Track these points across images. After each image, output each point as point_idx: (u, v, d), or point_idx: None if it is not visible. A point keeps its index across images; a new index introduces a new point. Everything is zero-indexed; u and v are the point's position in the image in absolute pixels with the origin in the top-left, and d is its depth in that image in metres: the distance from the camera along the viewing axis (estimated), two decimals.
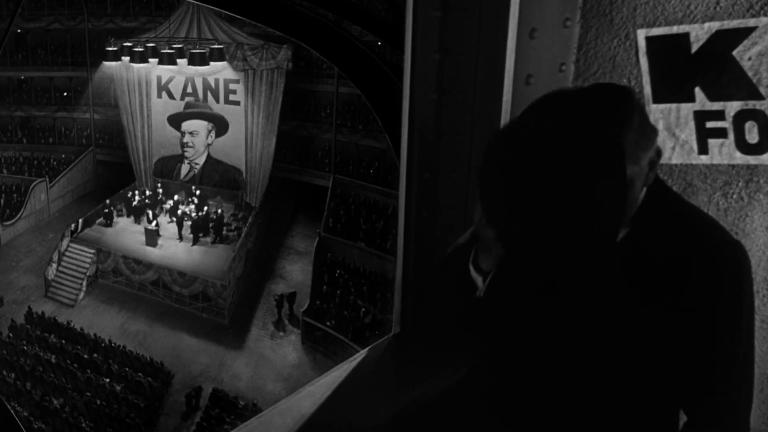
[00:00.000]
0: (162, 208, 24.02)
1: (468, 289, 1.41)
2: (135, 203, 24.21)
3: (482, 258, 1.37)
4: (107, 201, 24.07)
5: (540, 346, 1.42)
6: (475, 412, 1.61)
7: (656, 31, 1.62)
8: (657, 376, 1.33)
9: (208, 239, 22.70)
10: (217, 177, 25.17)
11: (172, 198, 24.44)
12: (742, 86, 1.56)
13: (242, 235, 22.56)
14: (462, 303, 1.45)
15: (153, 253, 22.01)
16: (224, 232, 22.96)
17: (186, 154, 25.37)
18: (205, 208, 23.68)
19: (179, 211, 23.30)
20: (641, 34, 1.64)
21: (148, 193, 24.97)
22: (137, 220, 23.56)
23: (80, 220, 23.41)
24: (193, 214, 23.24)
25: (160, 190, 25.07)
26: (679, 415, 1.39)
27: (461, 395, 1.68)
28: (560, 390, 1.41)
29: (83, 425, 16.61)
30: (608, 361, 1.34)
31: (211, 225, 23.10)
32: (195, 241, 22.49)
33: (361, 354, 1.85)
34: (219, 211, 23.78)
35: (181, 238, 22.57)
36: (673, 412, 1.39)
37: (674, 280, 1.26)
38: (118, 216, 24.07)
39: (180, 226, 22.76)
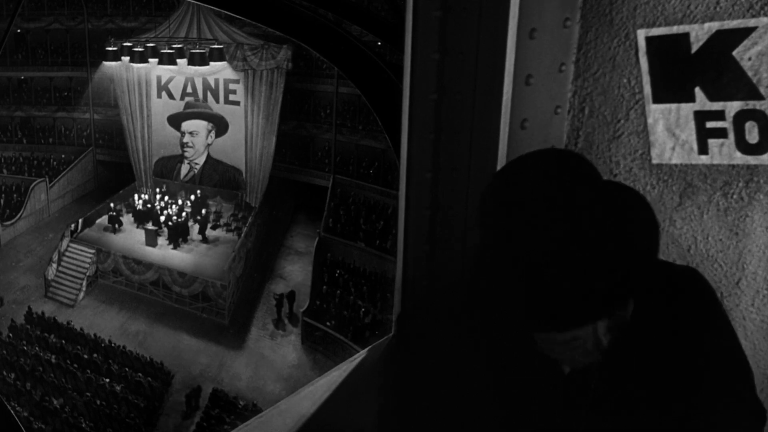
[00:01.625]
0: (161, 211, 24.00)
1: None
2: (139, 208, 24.17)
3: None
4: (111, 205, 23.99)
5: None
6: (475, 411, 1.61)
7: (656, 31, 1.62)
8: (655, 392, 1.34)
9: (189, 244, 22.59)
10: (217, 177, 25.17)
11: (164, 199, 24.44)
12: (742, 86, 1.56)
13: (242, 235, 22.55)
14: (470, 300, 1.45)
15: (153, 253, 22.01)
16: (209, 234, 22.77)
17: (186, 154, 25.37)
18: (184, 213, 23.55)
19: (163, 214, 23.29)
20: (641, 34, 1.63)
21: (145, 197, 24.91)
22: (140, 225, 23.50)
23: (80, 220, 23.40)
24: (175, 217, 23.15)
25: (159, 196, 25.03)
26: None
27: (461, 395, 1.68)
28: (562, 391, 1.41)
29: (83, 425, 16.61)
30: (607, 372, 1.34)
31: (194, 227, 22.95)
32: (174, 246, 22.39)
33: (361, 354, 1.85)
34: (204, 211, 23.67)
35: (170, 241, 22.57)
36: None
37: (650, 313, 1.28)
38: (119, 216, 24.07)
39: (169, 229, 22.74)
